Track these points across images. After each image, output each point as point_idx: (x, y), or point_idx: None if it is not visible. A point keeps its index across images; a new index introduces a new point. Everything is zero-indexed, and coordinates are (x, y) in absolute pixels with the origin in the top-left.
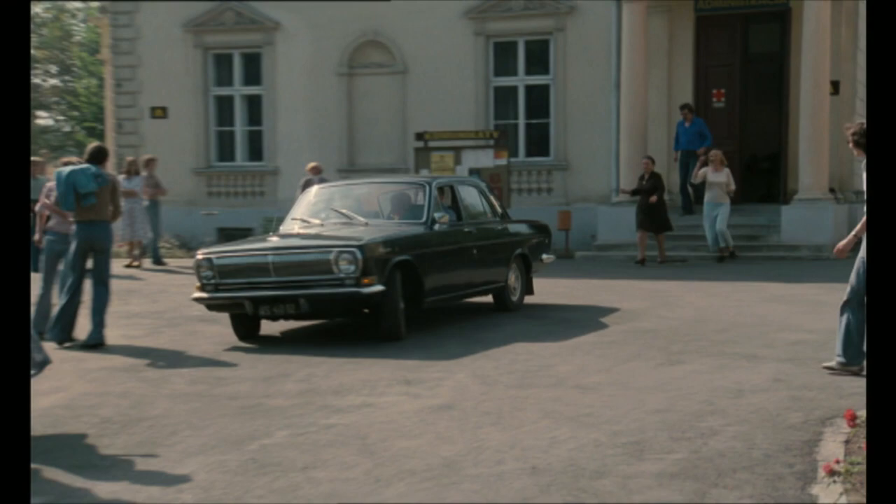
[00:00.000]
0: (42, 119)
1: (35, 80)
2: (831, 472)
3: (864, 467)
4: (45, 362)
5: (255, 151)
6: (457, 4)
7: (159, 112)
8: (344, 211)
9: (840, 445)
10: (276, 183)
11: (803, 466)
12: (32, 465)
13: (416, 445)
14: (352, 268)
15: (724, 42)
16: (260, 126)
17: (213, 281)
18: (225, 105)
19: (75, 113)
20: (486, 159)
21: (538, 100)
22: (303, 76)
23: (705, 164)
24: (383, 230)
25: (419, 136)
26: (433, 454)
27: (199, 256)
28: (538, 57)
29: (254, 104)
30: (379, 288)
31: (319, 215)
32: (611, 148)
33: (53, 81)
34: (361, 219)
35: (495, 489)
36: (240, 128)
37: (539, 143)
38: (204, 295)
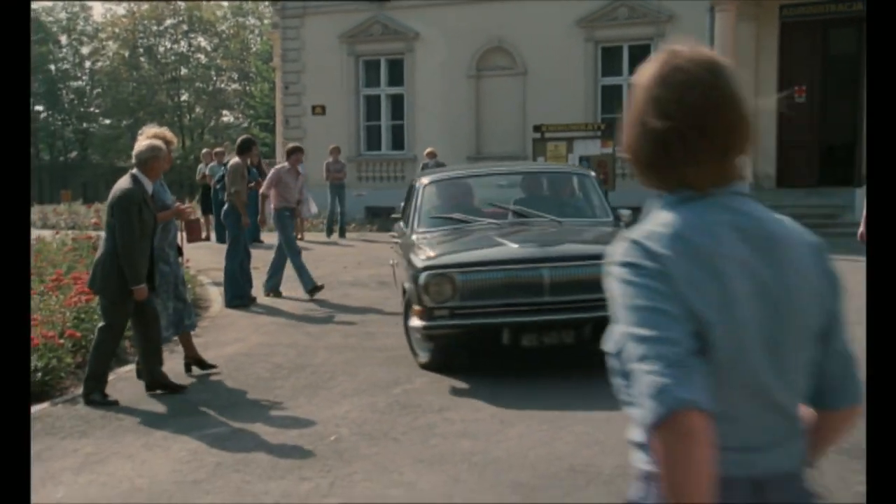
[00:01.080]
0: (225, 117)
1: (220, 86)
2: None
3: None
4: (192, 326)
5: (398, 142)
6: (570, 14)
7: (319, 110)
8: (526, 209)
9: None
10: (415, 168)
11: None
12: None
13: (536, 393)
14: None
15: (805, 45)
16: (401, 121)
17: (450, 303)
18: (373, 103)
19: (251, 112)
20: (594, 148)
21: None
22: (438, 78)
23: None
24: (600, 233)
25: (536, 129)
26: (552, 400)
27: (430, 271)
28: (640, 59)
29: (396, 102)
30: None
31: (473, 212)
32: None
33: (234, 86)
34: (553, 218)
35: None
36: (385, 122)
37: None
38: (433, 322)
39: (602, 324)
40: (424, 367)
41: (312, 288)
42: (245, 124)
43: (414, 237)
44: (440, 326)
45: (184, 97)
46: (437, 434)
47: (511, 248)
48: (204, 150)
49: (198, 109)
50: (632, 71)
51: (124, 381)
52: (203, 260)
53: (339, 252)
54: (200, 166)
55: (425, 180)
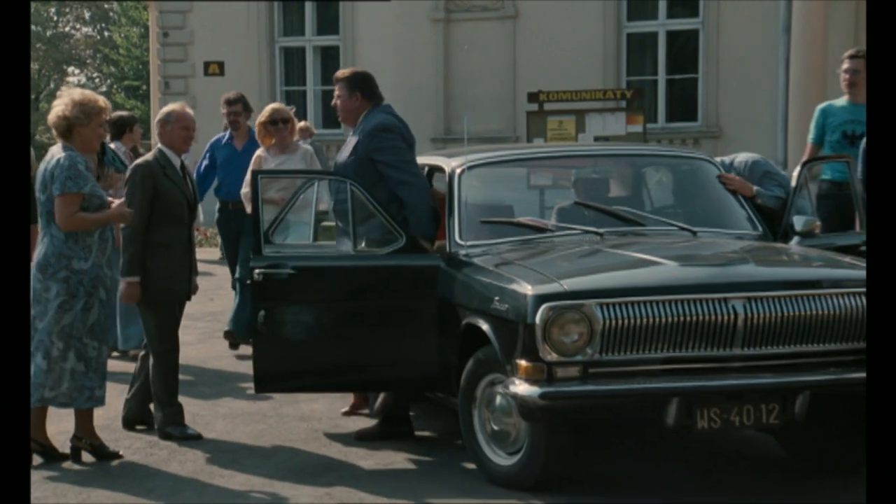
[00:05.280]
0: (73, 77)
1: (64, 29)
2: None
3: None
4: (99, 401)
5: (331, 117)
6: None
7: (214, 68)
8: (639, 213)
9: None
10: None
11: None
12: None
13: None
14: None
15: None
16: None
17: (583, 356)
18: (294, 59)
19: (112, 70)
20: (616, 125)
21: (683, 49)
22: (388, 23)
23: None
24: (794, 252)
25: (532, 97)
26: None
27: (554, 302)
28: None
29: (329, 58)
30: None
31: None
32: (777, 110)
33: (86, 30)
34: (682, 226)
35: None
36: (312, 87)
37: (684, 104)
38: (554, 389)
39: (824, 394)
40: (501, 479)
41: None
42: (104, 88)
43: (460, 255)
44: (567, 395)
45: None
46: None
47: (675, 269)
48: None
49: (31, 65)
50: (671, 12)
51: None
52: None
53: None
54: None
55: (459, 165)
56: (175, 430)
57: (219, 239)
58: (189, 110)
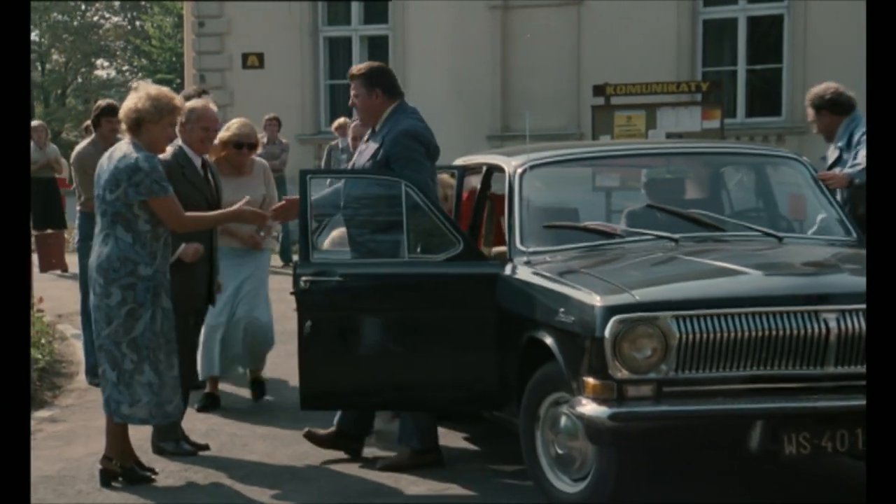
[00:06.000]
0: (102, 70)
1: (93, 19)
2: None
3: None
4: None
5: None
6: None
7: (253, 60)
8: (719, 217)
9: None
10: None
11: None
12: None
13: None
14: None
15: None
16: None
17: (657, 373)
18: (340, 50)
19: (144, 62)
20: (691, 121)
21: (766, 37)
22: (442, 11)
23: None
24: (860, 258)
25: (598, 90)
26: None
27: (625, 314)
28: None
29: (377, 49)
30: None
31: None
32: None
33: (116, 20)
34: (767, 231)
35: None
36: None
37: (766, 97)
38: (626, 410)
39: None
40: None
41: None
42: (134, 82)
43: (522, 262)
44: (639, 417)
45: (32, 35)
46: None
47: (759, 279)
48: (35, 123)
49: (55, 56)
50: None
51: None
52: (65, 299)
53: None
54: (33, 147)
55: (520, 165)
56: (168, 445)
57: None
58: (213, 108)
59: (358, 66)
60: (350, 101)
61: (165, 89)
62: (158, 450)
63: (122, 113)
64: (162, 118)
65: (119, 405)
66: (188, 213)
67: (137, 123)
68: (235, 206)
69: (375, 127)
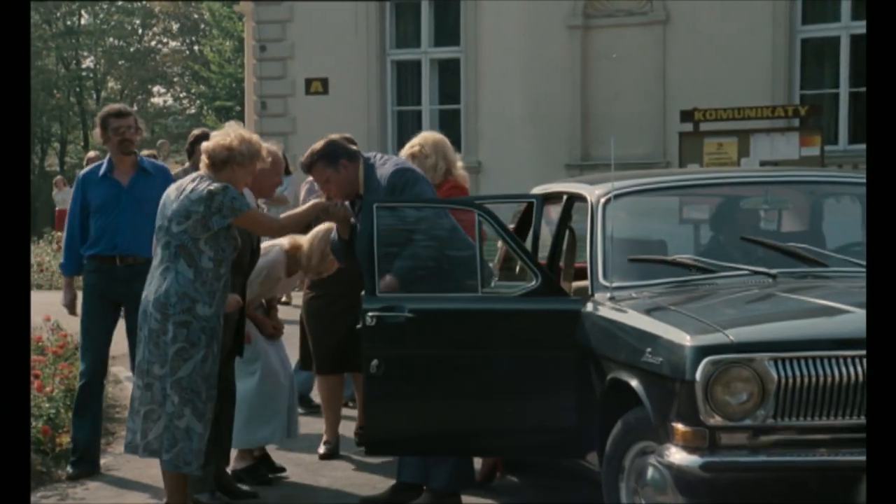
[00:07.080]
0: (159, 97)
1: (150, 44)
2: None
3: None
4: None
5: (451, 139)
6: None
7: (318, 86)
8: (821, 251)
9: None
10: (479, 182)
11: None
12: None
13: None
14: None
15: None
16: (457, 104)
17: (754, 420)
18: (408, 74)
19: (203, 88)
20: (788, 148)
21: None
22: (517, 31)
23: None
24: None
25: (686, 116)
26: None
27: (720, 355)
28: None
29: (447, 73)
30: None
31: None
32: None
33: (174, 44)
34: (860, 263)
35: None
36: (427, 106)
37: None
38: (719, 459)
39: None
40: None
41: None
42: (192, 110)
43: (605, 298)
44: (733, 467)
45: (87, 61)
46: None
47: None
48: (57, 178)
49: (111, 83)
50: (856, 13)
51: None
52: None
53: None
54: (55, 193)
55: (604, 194)
56: (202, 496)
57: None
58: (273, 148)
59: (304, 156)
60: (325, 196)
61: (256, 136)
62: (194, 502)
63: (210, 147)
64: (250, 162)
65: (158, 451)
66: (275, 217)
67: (225, 162)
68: (316, 201)
69: (360, 192)
